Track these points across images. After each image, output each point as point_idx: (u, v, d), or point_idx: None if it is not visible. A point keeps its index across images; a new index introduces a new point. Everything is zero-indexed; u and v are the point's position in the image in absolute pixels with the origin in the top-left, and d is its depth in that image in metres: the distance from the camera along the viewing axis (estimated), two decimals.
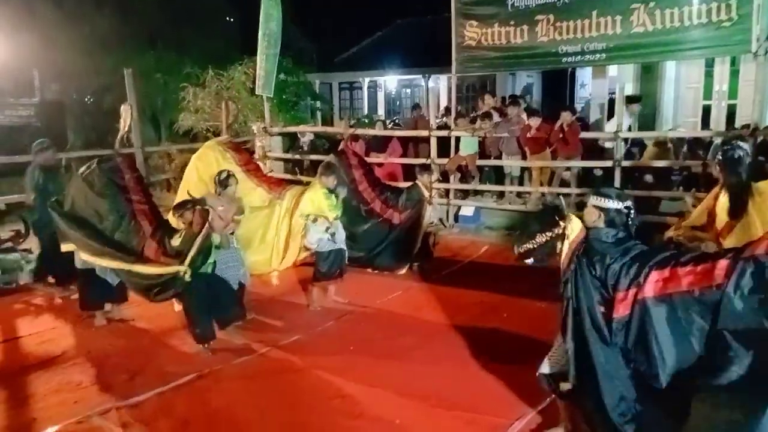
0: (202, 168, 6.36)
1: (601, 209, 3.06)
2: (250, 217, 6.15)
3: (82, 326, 5.46)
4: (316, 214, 5.68)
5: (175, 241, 4.70)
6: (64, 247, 5.34)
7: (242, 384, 4.26)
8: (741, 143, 4.29)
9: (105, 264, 5.03)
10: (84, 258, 5.11)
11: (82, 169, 5.29)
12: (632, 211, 3.07)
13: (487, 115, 9.02)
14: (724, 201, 4.20)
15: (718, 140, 8.39)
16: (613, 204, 3.04)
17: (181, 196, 5.71)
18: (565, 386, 3.16)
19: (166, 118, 14.51)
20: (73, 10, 14.22)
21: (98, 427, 3.73)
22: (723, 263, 2.66)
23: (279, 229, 6.09)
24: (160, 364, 4.62)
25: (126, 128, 6.24)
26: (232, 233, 5.19)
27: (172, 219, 5.05)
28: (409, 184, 7.56)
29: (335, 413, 3.80)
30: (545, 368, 3.29)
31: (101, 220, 5.07)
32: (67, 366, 4.64)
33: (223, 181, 5.26)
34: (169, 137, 13.89)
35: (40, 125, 14.45)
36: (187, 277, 4.56)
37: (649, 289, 2.80)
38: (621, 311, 2.85)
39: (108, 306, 5.51)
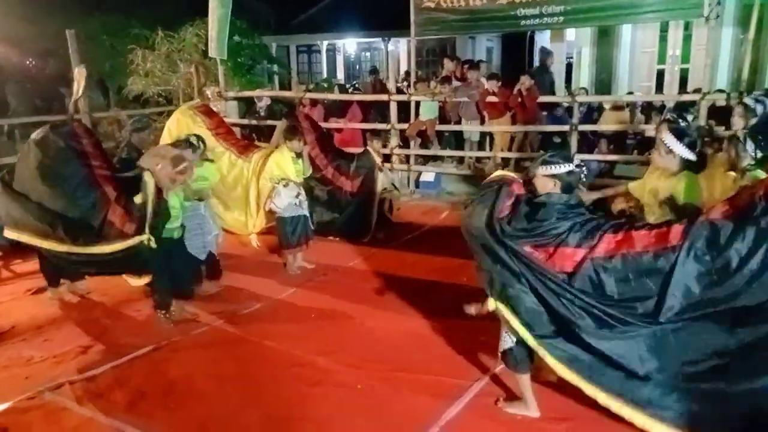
0: (177, 133, 6.23)
1: (554, 177, 3.02)
2: (223, 181, 6.18)
3: (32, 300, 5.27)
4: (282, 177, 5.61)
5: (138, 198, 4.47)
6: (8, 233, 5.06)
7: (200, 354, 4.19)
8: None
9: (52, 248, 4.66)
10: (28, 241, 4.81)
11: (34, 135, 5.01)
12: (584, 167, 3.07)
13: (446, 80, 8.96)
14: None
15: (670, 104, 8.59)
16: (565, 167, 3.01)
17: None
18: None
19: (115, 82, 13.89)
20: None
21: (51, 402, 3.62)
22: (678, 227, 2.70)
23: (248, 192, 6.15)
24: (115, 336, 4.51)
25: (79, 93, 6.00)
26: (200, 199, 5.04)
27: None
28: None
29: (295, 381, 3.79)
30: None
31: (60, 189, 4.79)
32: (17, 341, 4.49)
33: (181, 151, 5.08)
34: (119, 102, 13.34)
35: None
36: (153, 244, 4.40)
37: (601, 249, 2.81)
38: (566, 267, 2.87)
39: (63, 282, 5.29)
